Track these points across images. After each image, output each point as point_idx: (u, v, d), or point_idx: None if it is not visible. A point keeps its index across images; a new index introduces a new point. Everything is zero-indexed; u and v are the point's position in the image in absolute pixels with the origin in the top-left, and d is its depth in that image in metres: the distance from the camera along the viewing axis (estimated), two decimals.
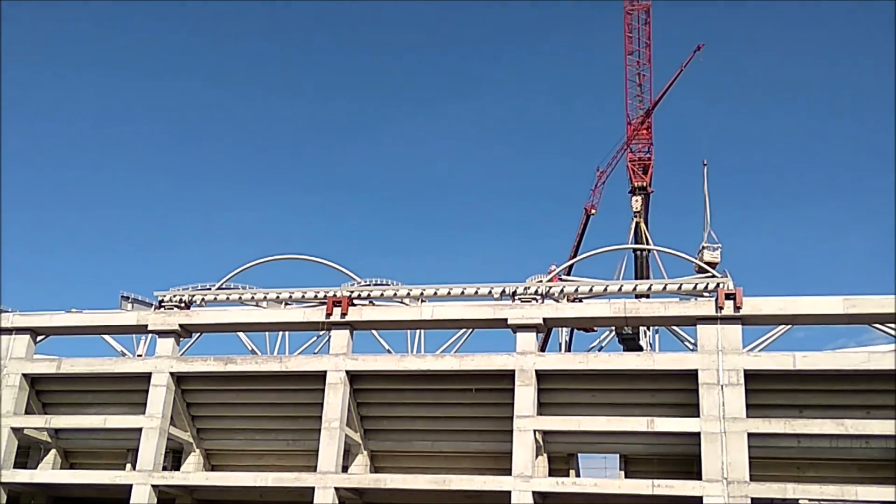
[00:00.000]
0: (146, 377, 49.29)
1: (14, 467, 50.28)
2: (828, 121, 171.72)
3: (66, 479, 51.04)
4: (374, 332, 51.91)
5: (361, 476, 48.07)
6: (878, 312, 42.46)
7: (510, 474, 43.38)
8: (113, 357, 53.58)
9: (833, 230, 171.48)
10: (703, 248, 68.54)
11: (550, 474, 46.65)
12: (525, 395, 44.45)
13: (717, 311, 43.58)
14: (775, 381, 43.32)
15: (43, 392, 52.96)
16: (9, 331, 52.09)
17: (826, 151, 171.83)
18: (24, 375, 51.11)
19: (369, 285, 51.36)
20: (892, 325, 44.75)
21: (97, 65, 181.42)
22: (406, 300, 50.79)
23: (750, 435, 41.56)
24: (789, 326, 46.80)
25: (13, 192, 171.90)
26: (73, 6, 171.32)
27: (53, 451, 54.36)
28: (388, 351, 52.07)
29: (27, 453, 54.58)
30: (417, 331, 53.75)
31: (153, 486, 47.08)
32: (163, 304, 52.21)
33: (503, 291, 48.72)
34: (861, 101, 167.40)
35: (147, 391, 48.90)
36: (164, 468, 49.45)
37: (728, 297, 43.69)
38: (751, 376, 42.58)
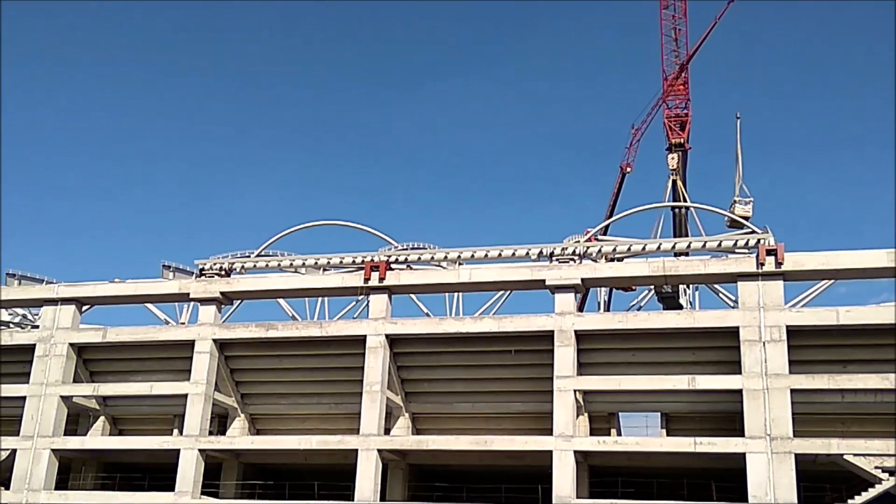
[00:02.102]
0: (190, 344, 50.16)
1: (64, 435, 51.59)
2: (865, 70, 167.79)
3: (116, 446, 52.42)
4: (412, 295, 52.14)
5: (404, 438, 48.65)
6: None
7: (551, 434, 43.69)
8: (157, 325, 54.53)
9: (873, 182, 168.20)
10: (735, 201, 67.34)
11: (592, 433, 46.94)
12: (565, 356, 44.58)
13: (758, 268, 43.30)
14: (818, 336, 43.01)
15: (90, 361, 54.08)
16: (55, 301, 53.23)
17: (864, 101, 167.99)
18: (72, 345, 52.24)
19: (406, 250, 51.40)
20: None
21: (135, 51, 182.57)
22: (443, 263, 50.85)
23: (793, 391, 41.44)
24: (832, 281, 46.20)
25: (58, 169, 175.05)
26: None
27: (102, 418, 55.59)
28: (427, 314, 52.31)
29: (77, 421, 55.84)
30: (455, 294, 53.82)
31: (200, 450, 48.10)
32: (203, 272, 52.80)
33: (540, 253, 48.50)
34: None
35: (191, 358, 49.81)
36: (211, 433, 50.47)
37: (769, 252, 43.33)
38: (793, 332, 42.31)
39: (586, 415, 47.32)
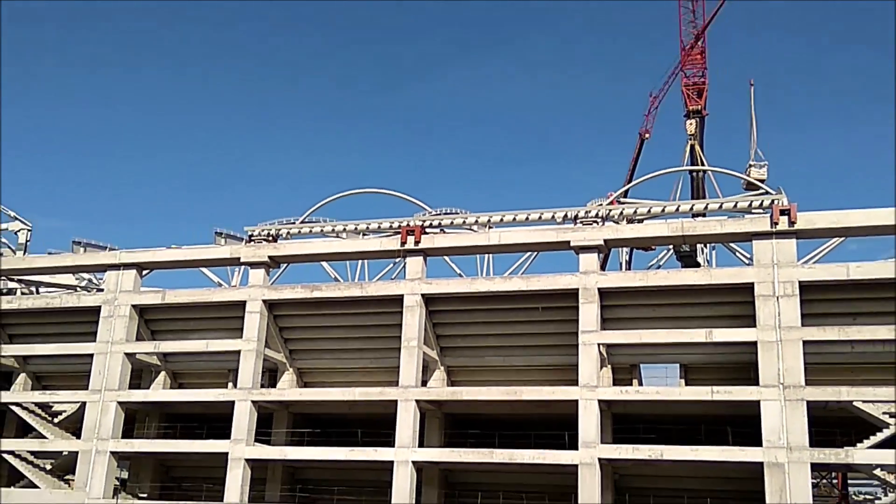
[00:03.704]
0: (241, 305, 53.67)
1: (129, 388, 55.69)
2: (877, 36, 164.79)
3: (176, 398, 56.37)
4: (445, 257, 54.97)
5: (439, 389, 51.82)
6: None
7: (577, 385, 46.32)
8: (211, 287, 58.01)
9: (884, 142, 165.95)
10: (751, 165, 68.67)
11: (614, 384, 49.48)
12: (589, 312, 47.12)
13: (772, 227, 45.16)
14: (829, 290, 44.92)
15: (151, 321, 57.99)
16: (117, 266, 57.04)
17: (875, 66, 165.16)
18: (134, 306, 56.10)
19: (440, 214, 53.88)
20: None
21: (194, 27, 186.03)
22: (474, 227, 53.22)
23: (805, 342, 43.50)
24: (842, 239, 47.85)
25: (122, 148, 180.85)
26: None
27: (163, 373, 59.57)
28: (460, 275, 54.92)
29: (140, 376, 59.94)
30: (486, 255, 56.45)
31: (253, 401, 51.75)
32: (252, 238, 55.85)
33: (565, 216, 50.72)
34: None
35: (243, 317, 53.31)
36: (262, 386, 53.96)
37: (783, 212, 45.16)
38: (805, 287, 44.28)
39: (609, 366, 49.82)
